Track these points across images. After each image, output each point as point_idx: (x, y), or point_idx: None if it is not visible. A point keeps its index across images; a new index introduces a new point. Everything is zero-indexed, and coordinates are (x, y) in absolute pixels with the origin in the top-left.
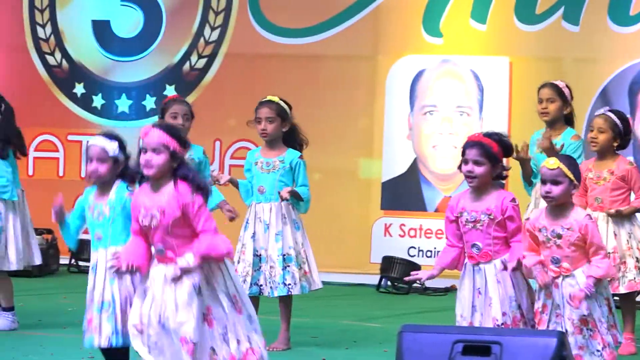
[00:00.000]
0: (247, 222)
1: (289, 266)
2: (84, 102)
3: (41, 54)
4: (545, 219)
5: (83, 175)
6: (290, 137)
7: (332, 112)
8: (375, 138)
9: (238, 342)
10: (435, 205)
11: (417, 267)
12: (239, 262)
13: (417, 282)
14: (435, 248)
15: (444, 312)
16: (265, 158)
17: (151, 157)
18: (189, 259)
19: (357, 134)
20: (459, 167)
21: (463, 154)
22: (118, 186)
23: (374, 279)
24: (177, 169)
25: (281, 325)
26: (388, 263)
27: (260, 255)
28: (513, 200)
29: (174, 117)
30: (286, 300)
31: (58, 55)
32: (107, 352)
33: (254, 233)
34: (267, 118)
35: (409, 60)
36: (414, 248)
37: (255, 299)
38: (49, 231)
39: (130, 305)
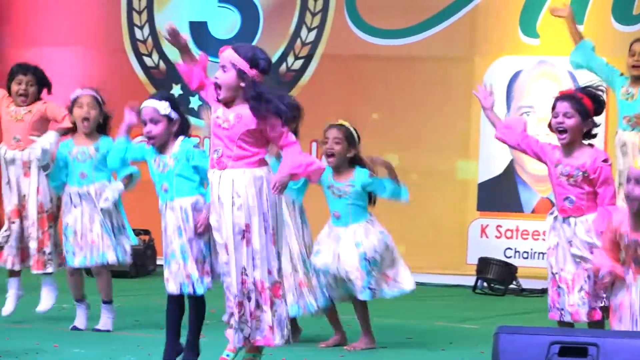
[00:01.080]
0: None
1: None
2: (181, 104)
3: (139, 56)
4: (628, 226)
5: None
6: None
7: (428, 113)
8: (471, 139)
9: (269, 272)
10: (531, 206)
11: (513, 269)
12: None
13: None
14: (532, 249)
15: (541, 314)
16: (336, 182)
17: (219, 75)
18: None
19: (453, 135)
20: (549, 124)
21: (553, 108)
22: (183, 140)
23: (470, 280)
24: (250, 89)
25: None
26: (484, 264)
27: None
28: (605, 160)
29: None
30: (357, 304)
31: (155, 56)
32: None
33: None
34: (334, 138)
35: (506, 61)
36: (511, 249)
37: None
38: (146, 232)
39: (193, 258)
